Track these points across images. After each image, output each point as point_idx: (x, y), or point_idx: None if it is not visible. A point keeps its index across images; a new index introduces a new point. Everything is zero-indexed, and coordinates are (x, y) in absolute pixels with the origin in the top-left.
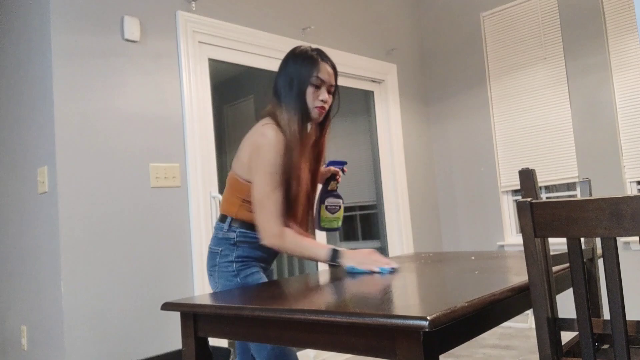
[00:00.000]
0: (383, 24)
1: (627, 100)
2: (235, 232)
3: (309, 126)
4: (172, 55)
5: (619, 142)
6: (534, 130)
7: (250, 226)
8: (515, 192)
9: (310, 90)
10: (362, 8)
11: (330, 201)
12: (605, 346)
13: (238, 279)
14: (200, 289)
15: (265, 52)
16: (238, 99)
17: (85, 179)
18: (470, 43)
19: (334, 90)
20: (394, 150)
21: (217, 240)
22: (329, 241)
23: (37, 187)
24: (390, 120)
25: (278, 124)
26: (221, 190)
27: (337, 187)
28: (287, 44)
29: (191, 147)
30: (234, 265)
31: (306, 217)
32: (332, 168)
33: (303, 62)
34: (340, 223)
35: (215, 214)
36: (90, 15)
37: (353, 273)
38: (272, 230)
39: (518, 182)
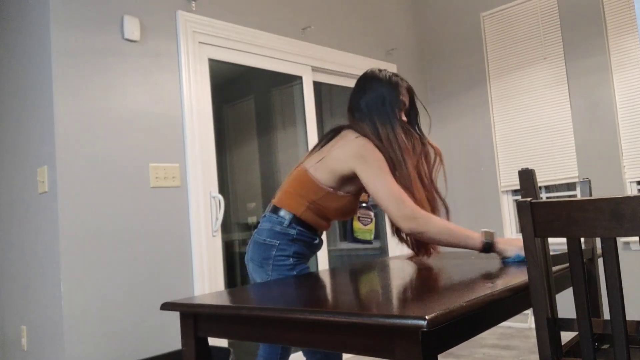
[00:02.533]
0: (383, 24)
1: (627, 100)
2: (295, 229)
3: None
4: (172, 55)
5: (619, 142)
6: (534, 130)
7: (309, 227)
8: (515, 192)
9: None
10: (362, 8)
11: (362, 212)
12: (605, 346)
13: (294, 272)
14: (200, 289)
15: (265, 52)
16: (238, 99)
17: (85, 179)
18: (470, 43)
19: (414, 108)
20: None
21: (273, 233)
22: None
23: (37, 187)
24: None
25: (372, 140)
26: (221, 190)
27: (368, 199)
28: (287, 44)
29: (191, 147)
30: (291, 260)
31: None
32: None
33: (390, 86)
34: (372, 236)
35: (215, 214)
36: (90, 15)
37: (517, 262)
38: (411, 215)
39: (518, 182)
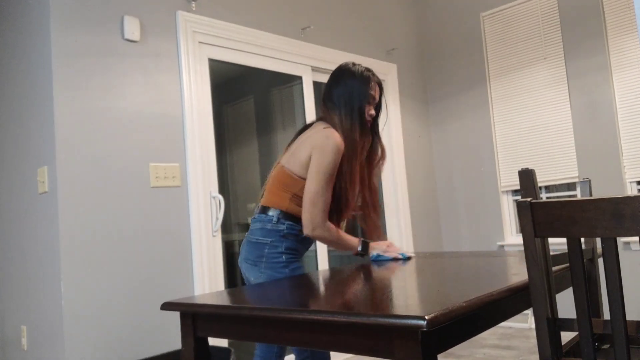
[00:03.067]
0: (383, 24)
1: (627, 100)
2: (284, 224)
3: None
4: (172, 55)
5: (619, 142)
6: (534, 130)
7: (297, 219)
8: (515, 192)
9: (365, 107)
10: (362, 8)
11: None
12: (606, 346)
13: (287, 270)
14: (200, 289)
15: (265, 52)
16: (238, 99)
17: (85, 179)
18: (470, 43)
19: (379, 105)
20: (394, 150)
21: (265, 231)
22: None
23: (37, 187)
24: (390, 120)
25: (341, 133)
26: (221, 190)
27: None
28: (287, 44)
29: (191, 147)
30: (284, 256)
31: (349, 215)
32: None
33: (361, 81)
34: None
35: (215, 214)
36: (90, 15)
37: (378, 261)
38: (318, 222)
39: (518, 182)
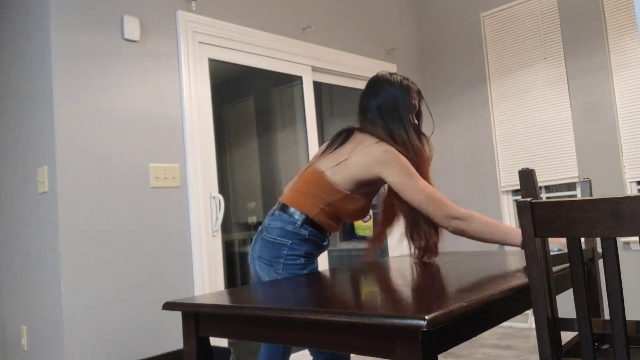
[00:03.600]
0: (383, 24)
1: (627, 100)
2: (307, 230)
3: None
4: (172, 55)
5: (619, 142)
6: (534, 130)
7: (320, 229)
8: (515, 192)
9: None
10: (362, 8)
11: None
12: (606, 346)
13: (305, 272)
14: (200, 289)
15: (265, 52)
16: (238, 99)
17: (85, 179)
18: (470, 43)
19: (419, 112)
20: None
21: (285, 232)
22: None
23: (37, 187)
24: None
25: (389, 143)
26: (221, 190)
27: None
28: (287, 44)
29: (191, 147)
30: (302, 259)
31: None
32: None
33: (402, 90)
34: (371, 232)
35: (215, 214)
36: (90, 15)
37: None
38: (453, 214)
39: (518, 182)
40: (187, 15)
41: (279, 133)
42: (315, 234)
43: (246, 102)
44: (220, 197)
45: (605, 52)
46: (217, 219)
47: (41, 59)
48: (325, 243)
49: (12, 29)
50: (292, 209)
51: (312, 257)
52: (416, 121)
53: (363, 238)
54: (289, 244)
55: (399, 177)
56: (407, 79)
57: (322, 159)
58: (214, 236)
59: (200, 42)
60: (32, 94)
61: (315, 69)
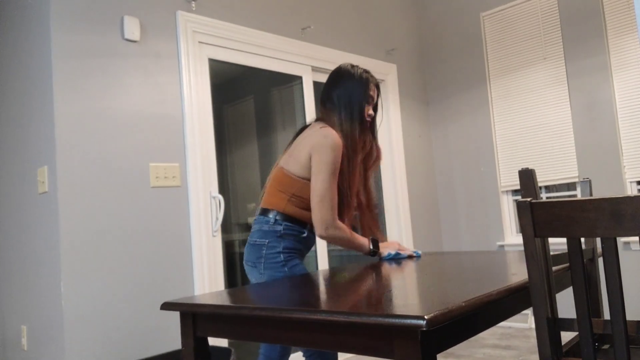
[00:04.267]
0: (383, 24)
1: (627, 100)
2: (281, 225)
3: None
4: (172, 55)
5: (619, 142)
6: (534, 130)
7: (295, 220)
8: (515, 192)
9: (365, 107)
10: (362, 8)
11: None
12: (606, 346)
13: (286, 269)
14: (200, 289)
15: (265, 52)
16: (238, 99)
17: (85, 179)
18: (470, 43)
19: (376, 105)
20: (394, 150)
21: (262, 232)
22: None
23: (37, 187)
24: (390, 120)
25: (341, 133)
26: (221, 190)
27: None
28: (287, 44)
29: (191, 147)
30: (282, 255)
31: (351, 214)
32: None
33: (360, 82)
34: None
35: (215, 214)
36: (90, 15)
37: (393, 259)
38: (329, 221)
39: (518, 182)
40: (187, 15)
41: (279, 133)
42: (290, 227)
43: (246, 102)
44: (220, 197)
45: (605, 52)
46: (217, 219)
47: (41, 59)
48: (306, 235)
49: (13, 29)
50: (267, 210)
51: (293, 252)
52: (372, 112)
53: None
54: (266, 242)
55: (318, 165)
56: (368, 72)
57: (283, 156)
58: (214, 236)
59: (200, 42)
60: (32, 94)
61: (315, 69)
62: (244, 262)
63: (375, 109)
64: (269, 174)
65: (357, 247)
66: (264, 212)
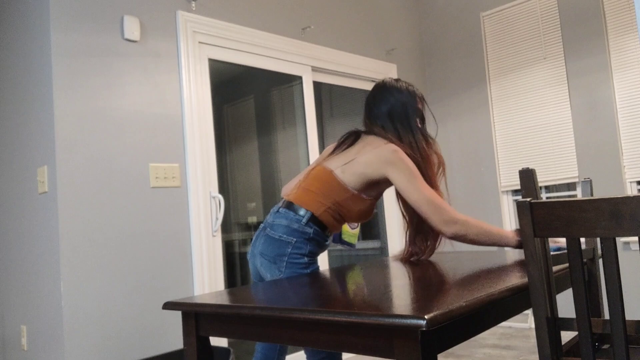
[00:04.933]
0: (383, 24)
1: (627, 100)
2: (312, 228)
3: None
4: (172, 55)
5: (619, 142)
6: (534, 130)
7: (325, 228)
8: (515, 192)
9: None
10: (362, 8)
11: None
12: (606, 346)
13: (308, 271)
14: (200, 289)
15: (265, 52)
16: (238, 99)
17: (85, 179)
18: (470, 43)
19: (423, 117)
20: None
21: (290, 230)
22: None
23: (37, 187)
24: None
25: (406, 148)
26: (221, 190)
27: None
28: (287, 44)
29: (191, 147)
30: (306, 259)
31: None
32: None
33: (409, 96)
34: (356, 240)
35: (215, 214)
36: (90, 15)
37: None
38: (449, 217)
39: (518, 182)
40: (187, 15)
41: (279, 133)
42: (318, 233)
43: (246, 102)
44: (220, 197)
45: (605, 52)
46: (217, 219)
47: (41, 58)
48: (327, 242)
49: (13, 29)
50: (297, 207)
51: (314, 257)
52: (421, 125)
53: (348, 244)
54: (293, 242)
55: (403, 178)
56: (412, 85)
57: (331, 159)
58: (214, 236)
59: (200, 42)
60: (32, 94)
61: (315, 69)
62: (254, 254)
63: (422, 121)
64: (307, 170)
65: (499, 238)
66: (293, 208)
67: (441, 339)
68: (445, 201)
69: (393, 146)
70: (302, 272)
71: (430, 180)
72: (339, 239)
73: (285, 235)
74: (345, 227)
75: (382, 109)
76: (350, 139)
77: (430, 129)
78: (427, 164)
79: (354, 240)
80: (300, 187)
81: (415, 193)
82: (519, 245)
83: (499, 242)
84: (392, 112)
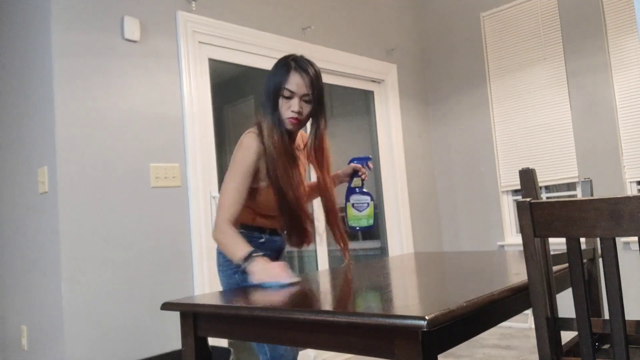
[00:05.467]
0: (383, 24)
1: (627, 100)
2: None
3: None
4: (172, 55)
5: (619, 142)
6: (534, 130)
7: (248, 226)
8: (515, 192)
9: (281, 102)
10: (362, 8)
11: (355, 198)
12: (606, 346)
13: (237, 277)
14: (200, 288)
15: (265, 52)
16: (238, 99)
17: (85, 179)
18: (470, 43)
19: (315, 98)
20: (394, 150)
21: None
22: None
23: (37, 187)
24: (390, 120)
25: (260, 133)
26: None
27: (362, 184)
28: (287, 44)
29: (191, 147)
30: (233, 263)
31: (309, 226)
32: (354, 165)
33: (276, 73)
34: (371, 221)
35: (215, 214)
36: (90, 15)
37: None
38: (217, 223)
39: (518, 182)
40: (187, 15)
41: None
42: (244, 234)
43: (246, 102)
44: None
45: (605, 52)
46: None
47: (42, 59)
48: (263, 240)
49: (13, 29)
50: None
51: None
52: (296, 107)
53: (362, 228)
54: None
55: (230, 166)
56: (294, 59)
57: None
58: None
59: (200, 42)
60: (33, 94)
61: None
62: None
63: (316, 104)
64: None
65: (230, 254)
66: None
67: (442, 339)
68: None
69: (245, 135)
70: (233, 277)
71: (277, 172)
72: (348, 226)
73: (218, 247)
74: (351, 212)
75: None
76: None
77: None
78: (278, 156)
79: (365, 222)
80: None
81: (224, 184)
82: (240, 263)
83: (230, 255)
84: (263, 91)
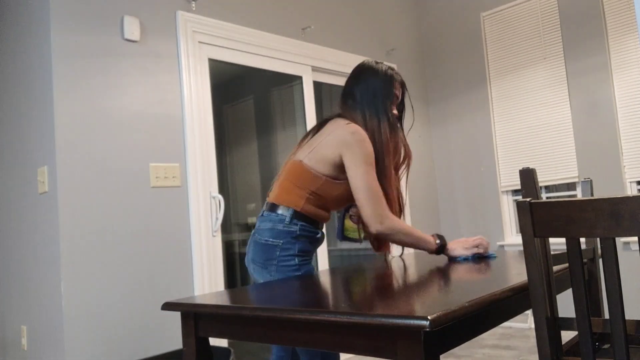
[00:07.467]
0: (383, 24)
1: (627, 100)
2: (297, 225)
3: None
4: (172, 55)
5: (619, 142)
6: (534, 130)
7: (312, 221)
8: (515, 192)
9: (389, 106)
10: (362, 8)
11: (354, 211)
12: (606, 346)
13: (300, 273)
14: (200, 289)
15: (265, 52)
16: (238, 99)
17: (85, 179)
18: (470, 43)
19: (402, 105)
20: None
21: (276, 232)
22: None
23: (37, 187)
24: None
25: (365, 129)
26: (221, 190)
27: None
28: (287, 44)
29: (191, 147)
30: (296, 259)
31: (399, 214)
32: None
33: (385, 79)
34: (362, 235)
35: (215, 214)
36: (90, 15)
37: (462, 260)
38: (383, 213)
39: (518, 182)
40: (187, 15)
41: (279, 133)
42: (306, 228)
43: (246, 102)
44: (220, 197)
45: (605, 52)
46: (217, 219)
47: (41, 59)
48: (319, 235)
49: (13, 29)
50: (279, 207)
51: (307, 255)
52: (396, 111)
53: (353, 240)
54: (280, 244)
55: (353, 160)
56: (393, 69)
57: (300, 149)
58: (213, 236)
59: (200, 42)
60: (33, 94)
61: (315, 69)
62: (248, 261)
63: (402, 108)
64: (282, 167)
65: (421, 242)
66: (275, 208)
67: (444, 339)
68: (404, 201)
69: (353, 127)
70: (294, 274)
71: (385, 171)
72: (342, 237)
73: (271, 239)
74: (348, 223)
75: (353, 90)
76: (316, 127)
77: (407, 121)
78: (385, 154)
79: (357, 235)
80: (278, 186)
81: (358, 179)
82: (438, 250)
83: (419, 245)
84: (362, 94)
